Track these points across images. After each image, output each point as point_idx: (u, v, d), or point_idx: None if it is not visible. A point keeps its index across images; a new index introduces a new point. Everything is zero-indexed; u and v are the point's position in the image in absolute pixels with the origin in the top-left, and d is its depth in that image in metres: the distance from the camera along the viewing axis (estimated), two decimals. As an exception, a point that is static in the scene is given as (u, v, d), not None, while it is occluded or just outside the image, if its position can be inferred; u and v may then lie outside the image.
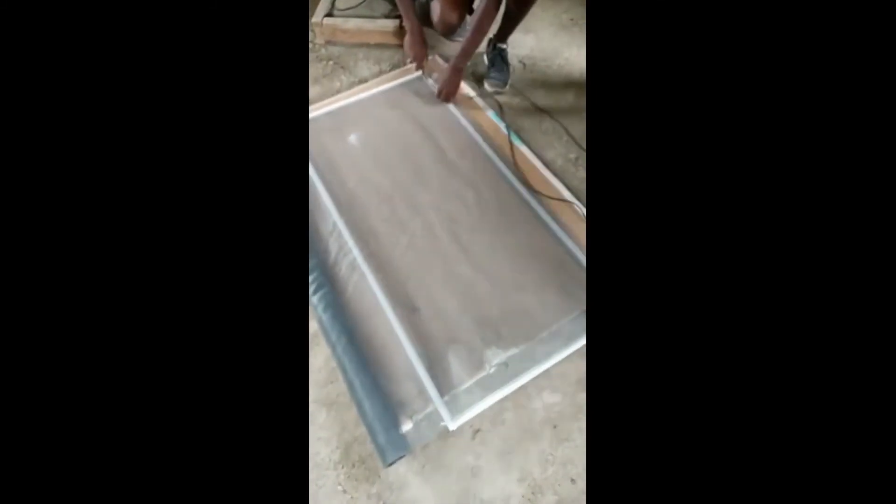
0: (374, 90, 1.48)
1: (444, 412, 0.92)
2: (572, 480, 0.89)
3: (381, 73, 1.57)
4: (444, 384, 0.95)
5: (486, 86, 1.49)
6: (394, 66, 1.58)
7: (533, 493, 0.88)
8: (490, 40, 1.49)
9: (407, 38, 1.48)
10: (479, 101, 1.45)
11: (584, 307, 1.05)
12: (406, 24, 1.46)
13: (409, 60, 1.52)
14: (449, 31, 1.53)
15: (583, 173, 1.29)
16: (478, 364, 0.98)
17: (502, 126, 1.38)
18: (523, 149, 1.33)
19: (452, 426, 0.90)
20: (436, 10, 1.48)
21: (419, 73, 1.50)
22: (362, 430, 0.94)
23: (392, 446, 0.89)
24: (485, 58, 1.53)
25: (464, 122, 1.39)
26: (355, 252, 1.14)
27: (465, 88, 1.47)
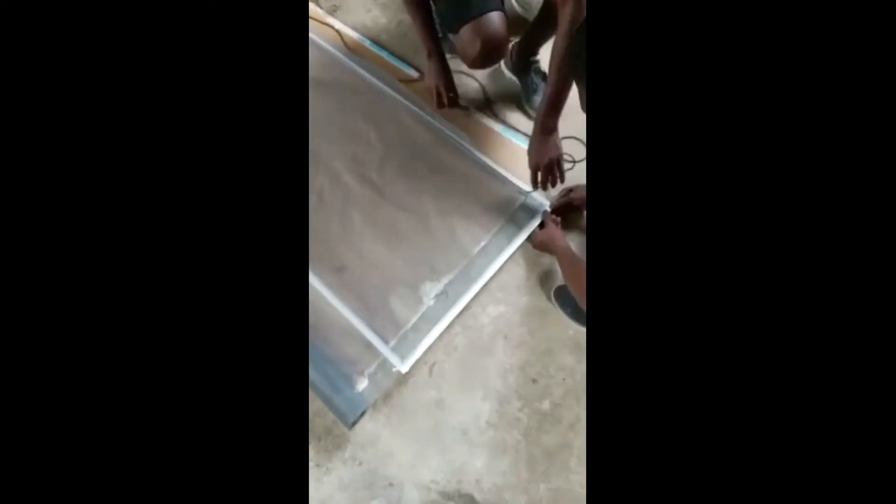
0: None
1: (393, 358, 0.89)
2: (533, 381, 0.89)
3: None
4: (388, 330, 0.92)
5: (530, 110, 1.15)
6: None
7: (500, 404, 0.88)
8: (518, 54, 1.14)
9: (429, 66, 1.08)
10: (353, 34, 1.32)
11: (507, 217, 1.02)
12: (426, 47, 1.05)
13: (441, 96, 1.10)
14: (491, 58, 1.01)
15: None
16: (417, 301, 0.94)
17: (384, 54, 1.27)
18: (410, 71, 1.24)
19: (405, 368, 0.88)
20: (467, 35, 0.96)
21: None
22: (319, 403, 0.90)
23: (350, 407, 0.86)
24: (508, 73, 1.19)
25: (347, 60, 1.26)
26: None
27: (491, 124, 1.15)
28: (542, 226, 0.98)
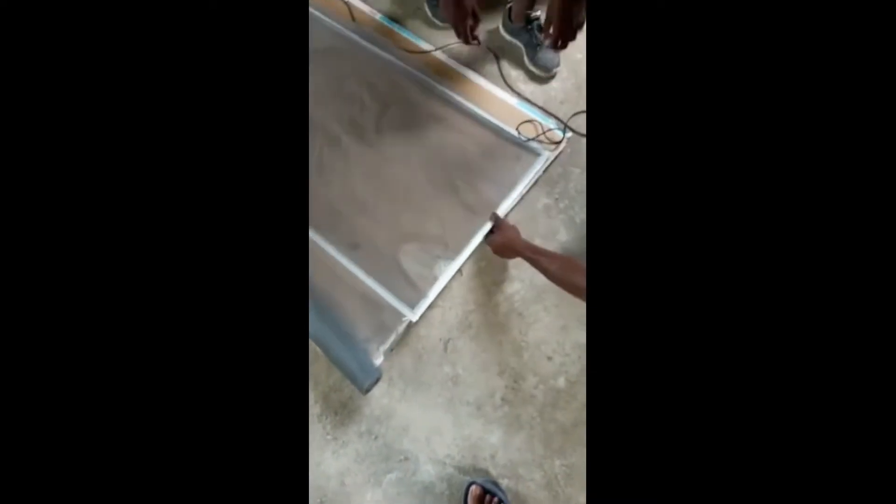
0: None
1: (403, 309, 0.91)
2: (548, 358, 0.89)
3: None
4: (401, 289, 0.94)
5: (535, 69, 1.10)
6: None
7: (515, 381, 0.88)
8: (517, 14, 1.09)
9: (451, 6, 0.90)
10: (364, 7, 1.29)
11: (522, 189, 1.00)
12: None
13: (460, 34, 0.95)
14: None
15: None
16: (431, 279, 0.94)
17: (394, 27, 1.24)
18: (420, 43, 1.21)
19: (415, 317, 0.89)
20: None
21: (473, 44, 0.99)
22: (335, 378, 0.91)
23: (365, 371, 0.86)
24: (507, 36, 1.14)
25: (332, 22, 1.24)
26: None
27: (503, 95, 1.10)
28: (493, 231, 0.90)
